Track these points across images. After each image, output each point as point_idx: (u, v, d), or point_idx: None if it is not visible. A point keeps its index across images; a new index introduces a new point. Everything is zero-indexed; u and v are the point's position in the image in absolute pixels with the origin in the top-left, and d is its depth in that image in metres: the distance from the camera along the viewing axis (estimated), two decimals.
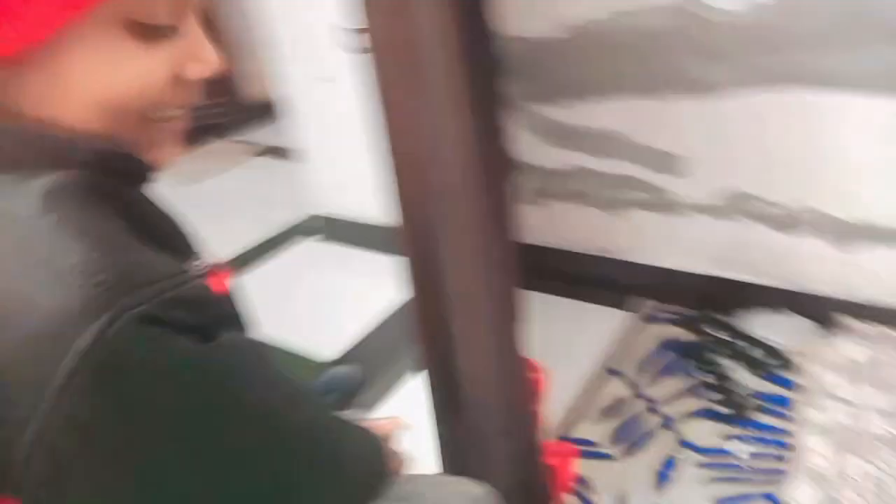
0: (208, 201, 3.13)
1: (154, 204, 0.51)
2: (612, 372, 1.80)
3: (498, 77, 1.81)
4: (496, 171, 1.79)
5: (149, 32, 0.45)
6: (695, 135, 1.80)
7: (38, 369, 0.36)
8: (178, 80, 0.48)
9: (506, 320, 1.20)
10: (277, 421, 0.48)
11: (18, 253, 0.39)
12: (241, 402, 0.45)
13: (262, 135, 3.73)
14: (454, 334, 1.17)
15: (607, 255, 2.11)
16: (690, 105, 1.75)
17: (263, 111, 3.65)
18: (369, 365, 1.90)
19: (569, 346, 1.88)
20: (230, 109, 3.79)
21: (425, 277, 1.17)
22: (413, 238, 1.15)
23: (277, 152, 3.43)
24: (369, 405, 1.77)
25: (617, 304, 2.03)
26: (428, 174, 1.05)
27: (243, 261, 2.62)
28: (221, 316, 0.49)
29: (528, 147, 2.09)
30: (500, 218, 1.76)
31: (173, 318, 0.40)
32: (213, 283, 0.52)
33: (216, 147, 3.70)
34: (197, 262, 0.53)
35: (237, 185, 3.31)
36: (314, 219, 2.68)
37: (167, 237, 0.50)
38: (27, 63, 0.42)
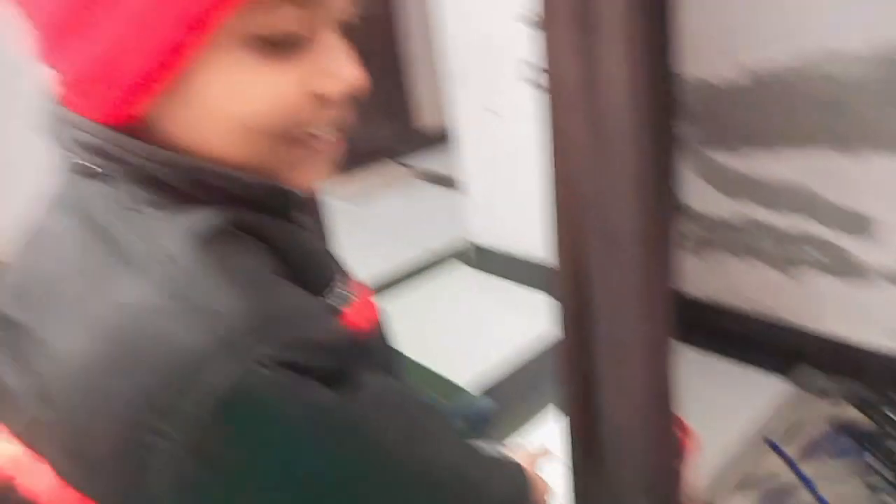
0: (369, 222, 3.32)
1: (300, 236, 0.51)
2: (768, 443, 1.65)
3: (675, 119, 1.76)
4: (664, 216, 1.74)
5: (276, 49, 0.42)
6: (892, 196, 1.62)
7: (172, 401, 0.36)
8: (315, 98, 0.45)
9: (658, 372, 1.15)
10: (419, 468, 0.47)
11: (165, 290, 0.39)
12: (378, 455, 0.44)
13: (431, 161, 3.89)
14: (602, 381, 1.13)
15: (775, 318, 1.96)
16: (889, 163, 1.59)
17: (435, 138, 3.82)
18: (504, 401, 1.90)
19: (722, 409, 1.76)
20: (401, 134, 4.01)
21: (578, 319, 1.15)
22: (569, 277, 1.14)
23: (442, 179, 3.56)
24: (498, 442, 1.76)
25: (780, 372, 1.87)
26: (594, 215, 1.04)
27: (395, 283, 2.72)
28: (361, 358, 0.47)
29: (697, 193, 2.00)
30: (662, 266, 1.70)
31: (308, 364, 0.40)
32: (358, 312, 0.53)
33: (384, 169, 3.92)
34: (341, 291, 0.52)
35: (398, 209, 3.47)
36: (468, 247, 2.73)
37: (311, 270, 0.50)
38: (169, 92, 0.42)
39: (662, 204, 1.04)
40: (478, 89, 2.39)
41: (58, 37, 0.42)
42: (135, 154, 0.43)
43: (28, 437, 0.42)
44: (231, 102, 0.42)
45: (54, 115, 0.46)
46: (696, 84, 1.87)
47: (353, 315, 0.53)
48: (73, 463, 0.40)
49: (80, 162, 0.45)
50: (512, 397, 1.93)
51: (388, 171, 3.89)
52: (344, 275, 0.56)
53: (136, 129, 0.44)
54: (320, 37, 0.44)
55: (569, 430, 1.20)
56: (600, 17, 0.92)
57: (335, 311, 0.51)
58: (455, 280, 2.72)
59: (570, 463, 1.22)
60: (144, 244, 0.40)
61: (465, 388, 2.00)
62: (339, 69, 0.45)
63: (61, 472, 0.40)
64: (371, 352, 0.54)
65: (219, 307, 0.38)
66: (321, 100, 0.45)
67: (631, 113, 0.94)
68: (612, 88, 0.94)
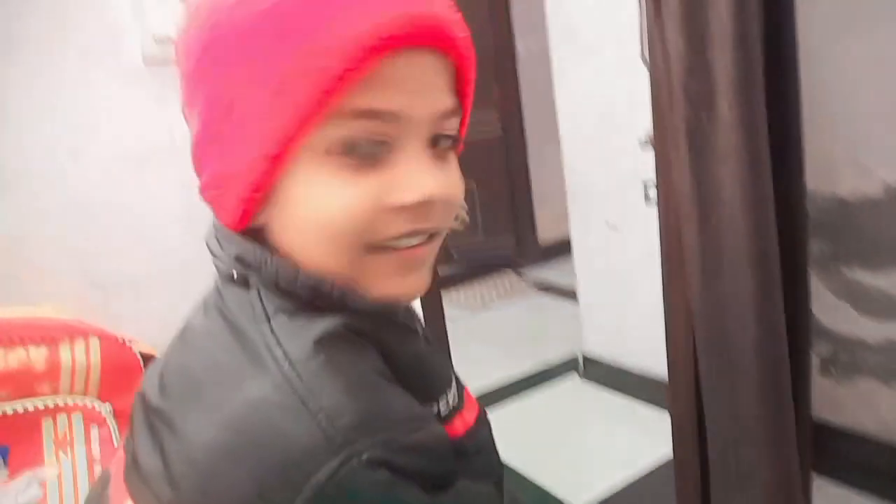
0: (485, 331, 3.38)
1: (411, 343, 0.53)
2: None
3: (805, 236, 1.71)
4: (795, 335, 1.65)
5: (356, 160, 0.46)
6: None
7: (282, 492, 0.39)
8: (389, 208, 0.47)
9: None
10: None
11: (284, 389, 0.42)
12: None
13: (550, 273, 3.94)
14: None
15: None
16: None
17: (554, 251, 3.89)
18: None
19: None
20: (522, 246, 4.12)
21: (690, 439, 1.11)
22: (682, 396, 1.12)
23: (560, 291, 3.58)
24: None
25: None
26: (707, 331, 1.03)
27: (507, 393, 2.72)
28: (461, 465, 0.48)
29: (834, 314, 1.89)
30: (783, 387, 1.60)
31: (404, 464, 0.41)
32: (464, 421, 0.55)
33: (503, 280, 4.00)
34: (452, 400, 0.54)
35: (515, 319, 3.51)
36: (581, 359, 2.70)
37: (421, 376, 0.52)
38: (272, 202, 0.47)
39: (779, 322, 1.02)
40: (597, 204, 2.45)
41: (202, 147, 0.49)
42: (265, 263, 0.48)
43: None
44: (310, 210, 0.46)
45: (210, 222, 0.52)
46: (831, 200, 1.82)
47: (460, 423, 0.56)
48: None
49: (224, 266, 0.51)
50: None
51: (507, 282, 3.97)
52: (456, 384, 0.58)
53: (260, 238, 0.49)
54: (403, 150, 0.47)
55: None
56: (709, 137, 0.96)
57: (443, 418, 0.53)
58: (567, 392, 2.67)
59: None
60: (272, 348, 0.44)
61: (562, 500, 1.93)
62: (414, 181, 0.47)
63: None
64: (471, 459, 0.55)
65: (327, 405, 0.41)
66: (395, 210, 0.47)
67: (743, 229, 0.96)
68: (724, 205, 0.96)
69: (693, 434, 1.10)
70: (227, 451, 0.41)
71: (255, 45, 0.44)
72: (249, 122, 0.45)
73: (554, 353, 2.93)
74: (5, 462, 0.85)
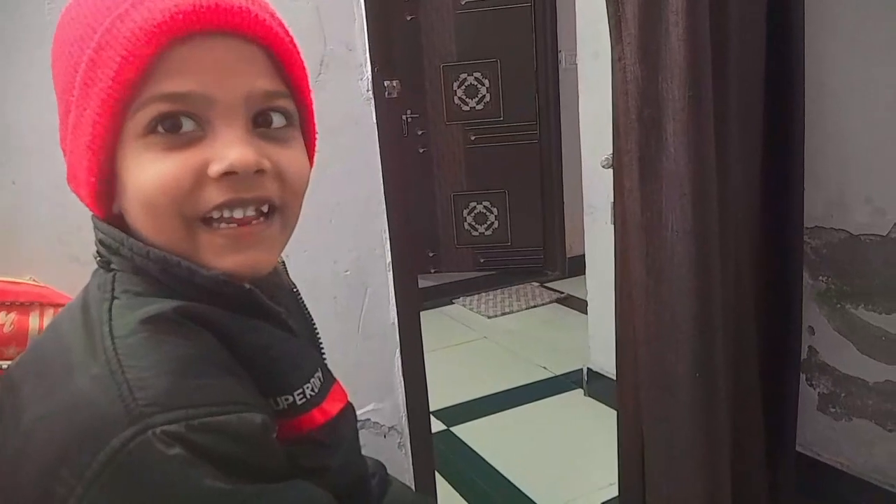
0: (498, 337, 3.41)
1: (258, 334, 0.54)
2: None
3: (799, 268, 1.68)
4: (782, 369, 1.62)
5: (169, 141, 0.49)
6: None
7: (80, 456, 0.42)
8: (199, 178, 0.50)
9: None
10: None
11: (104, 363, 0.45)
12: None
13: (573, 285, 3.92)
14: None
15: None
16: None
17: (582, 263, 3.86)
18: None
19: None
20: (551, 259, 4.11)
21: (636, 466, 1.12)
22: (628, 420, 1.12)
23: (579, 304, 3.57)
24: None
25: None
26: (649, 358, 1.04)
27: (506, 401, 2.74)
28: (280, 460, 0.49)
29: (836, 351, 1.83)
30: (777, 422, 1.57)
31: (203, 444, 0.43)
32: (318, 415, 0.56)
33: (527, 289, 4.01)
34: (311, 393, 0.56)
35: (529, 327, 3.51)
36: (585, 374, 2.69)
37: (261, 368, 0.53)
38: (114, 188, 0.52)
39: (720, 352, 1.01)
40: (605, 221, 2.44)
41: (60, 140, 0.55)
42: (123, 244, 0.52)
43: None
44: (135, 188, 0.50)
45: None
46: (840, 235, 1.77)
47: (319, 415, 0.57)
48: (3, 500, 0.46)
49: (95, 252, 0.56)
50: None
51: (530, 291, 3.97)
52: (324, 376, 0.60)
53: (123, 224, 0.54)
54: (217, 127, 0.50)
55: None
56: (656, 163, 0.97)
57: (298, 408, 0.55)
58: (568, 406, 2.67)
59: None
60: (102, 324, 0.48)
61: None
62: (221, 153, 0.50)
63: None
64: (327, 451, 0.57)
65: (132, 378, 0.44)
66: (209, 181, 0.50)
67: (684, 259, 0.96)
68: (667, 233, 0.97)
69: (635, 461, 1.11)
70: (44, 417, 0.45)
71: (70, 45, 0.51)
72: (76, 115, 0.51)
73: (562, 366, 2.93)
74: None
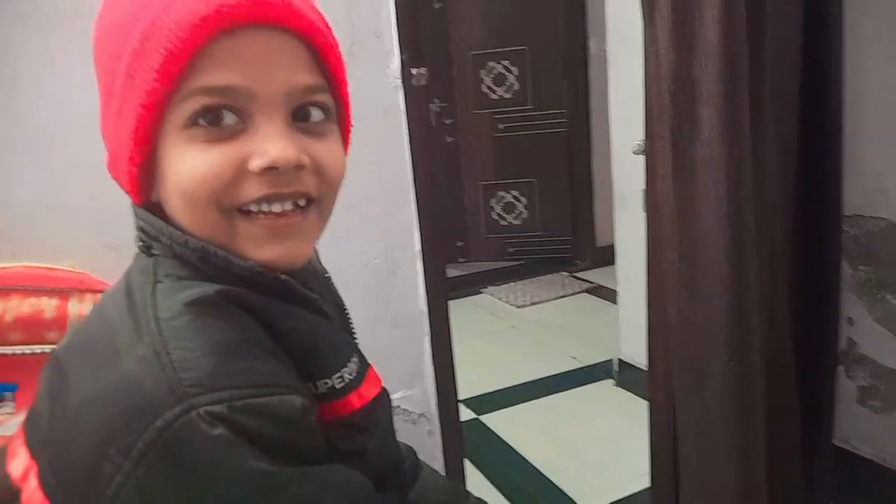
0: (527, 327, 3.39)
1: (297, 318, 0.55)
2: None
3: (838, 256, 1.64)
4: (818, 360, 1.59)
5: (212, 134, 0.50)
6: None
7: (127, 436, 0.43)
8: (244, 173, 0.51)
9: None
10: None
11: (150, 345, 0.46)
12: None
13: (603, 274, 3.89)
14: None
15: None
16: None
17: (611, 253, 3.83)
18: None
19: None
20: (581, 249, 4.08)
21: (667, 455, 1.10)
22: (660, 409, 1.11)
23: (609, 294, 3.53)
24: None
25: None
26: (682, 345, 1.03)
27: (536, 390, 2.73)
28: (321, 442, 0.50)
29: (876, 343, 1.79)
30: (813, 414, 1.54)
31: (247, 425, 0.43)
32: (355, 399, 0.56)
33: (556, 278, 3.98)
34: (348, 377, 0.56)
35: (559, 317, 3.50)
36: (616, 364, 2.67)
37: (301, 351, 0.53)
38: (157, 176, 0.52)
39: (754, 340, 0.99)
40: (635, 209, 2.41)
41: (102, 127, 0.56)
42: (162, 233, 0.53)
43: (35, 453, 0.50)
44: (175, 179, 0.51)
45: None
46: (880, 224, 1.72)
47: (356, 399, 0.57)
48: (53, 479, 0.48)
49: (137, 238, 0.57)
50: None
51: (559, 281, 3.95)
52: (360, 362, 0.60)
53: (162, 212, 0.54)
54: (258, 121, 0.51)
55: None
56: (690, 148, 0.95)
57: (337, 392, 0.55)
58: (598, 395, 2.65)
59: None
60: (147, 307, 0.49)
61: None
62: (262, 147, 0.50)
63: (44, 485, 0.48)
64: (363, 435, 0.58)
65: (177, 359, 0.45)
66: (250, 175, 0.50)
67: (719, 246, 0.94)
68: (701, 220, 0.96)
69: (669, 448, 1.10)
70: (93, 399, 0.46)
71: (115, 35, 0.51)
72: (119, 104, 0.52)
73: (592, 356, 2.91)
74: (14, 397, 0.97)
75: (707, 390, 0.97)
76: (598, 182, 3.99)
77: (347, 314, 0.73)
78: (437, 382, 1.48)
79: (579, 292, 3.77)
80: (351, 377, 0.58)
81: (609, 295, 3.53)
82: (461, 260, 4.17)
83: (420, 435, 1.49)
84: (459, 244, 4.15)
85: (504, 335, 3.38)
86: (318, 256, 0.74)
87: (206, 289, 0.50)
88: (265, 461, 0.44)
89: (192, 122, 0.50)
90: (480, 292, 3.90)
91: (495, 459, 2.27)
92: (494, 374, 2.85)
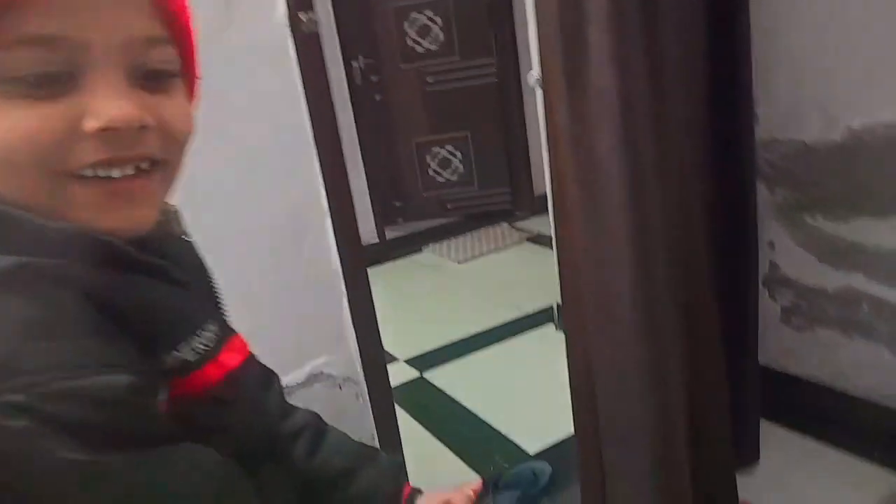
0: (470, 280, 3.39)
1: (124, 289, 0.49)
2: None
3: (752, 184, 1.64)
4: (740, 284, 1.60)
5: (36, 90, 0.44)
6: None
7: None
8: (73, 133, 0.45)
9: (668, 463, 1.04)
10: None
11: None
12: None
13: (544, 223, 3.89)
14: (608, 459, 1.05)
15: (882, 401, 1.70)
16: None
17: (546, 201, 3.82)
18: (565, 465, 1.80)
19: (810, 497, 1.57)
20: (520, 199, 4.06)
21: (584, 389, 1.09)
22: (575, 345, 1.09)
23: (545, 240, 3.54)
24: None
25: (885, 463, 1.61)
26: (589, 277, 1.00)
27: (480, 341, 2.73)
28: (150, 421, 0.45)
29: (797, 264, 1.82)
30: (738, 337, 1.56)
31: (56, 413, 0.38)
32: (214, 371, 0.52)
33: (496, 230, 3.97)
34: (200, 345, 0.52)
35: (501, 268, 3.50)
36: (556, 309, 2.68)
37: (138, 324, 0.48)
38: None
39: (660, 271, 0.97)
40: None
41: None
42: None
43: None
44: None
45: None
46: (796, 146, 1.73)
47: (215, 370, 0.53)
48: None
49: None
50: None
51: (500, 233, 3.93)
52: (221, 329, 0.56)
53: None
54: (92, 77, 0.45)
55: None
56: (581, 73, 0.91)
57: (190, 365, 0.51)
58: (539, 341, 2.67)
59: None
60: None
61: (528, 451, 1.96)
62: (98, 107, 0.45)
63: None
64: (229, 408, 0.54)
65: None
66: (84, 137, 0.45)
67: (615, 171, 0.91)
68: (597, 145, 0.92)
69: (588, 383, 1.08)
70: None
71: None
72: None
73: (534, 304, 2.92)
74: None
75: (618, 325, 0.95)
76: (532, 130, 3.96)
77: (211, 280, 0.67)
78: (360, 344, 1.43)
79: (520, 242, 3.77)
80: (206, 347, 0.53)
81: (549, 242, 3.54)
82: (400, 220, 4.11)
83: (348, 399, 1.45)
84: (397, 204, 4.09)
85: (446, 292, 3.36)
86: (178, 217, 0.68)
87: (4, 262, 0.43)
88: (84, 451, 0.39)
89: (13, 75, 0.43)
90: (421, 251, 3.86)
91: (441, 415, 2.26)
92: (437, 332, 2.83)
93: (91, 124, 0.45)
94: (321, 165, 1.31)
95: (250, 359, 0.61)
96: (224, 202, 1.20)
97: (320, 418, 0.82)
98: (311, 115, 1.27)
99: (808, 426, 1.81)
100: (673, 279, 1.02)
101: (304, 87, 1.27)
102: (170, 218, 0.65)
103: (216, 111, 1.07)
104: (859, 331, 1.72)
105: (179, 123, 0.51)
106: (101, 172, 0.46)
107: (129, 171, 0.47)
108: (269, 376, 0.81)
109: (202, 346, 0.53)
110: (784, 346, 1.89)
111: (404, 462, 1.58)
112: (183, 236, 0.67)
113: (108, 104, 0.45)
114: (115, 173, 0.47)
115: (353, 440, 0.82)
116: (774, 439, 1.76)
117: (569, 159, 0.94)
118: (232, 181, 1.21)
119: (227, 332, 0.59)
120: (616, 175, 0.88)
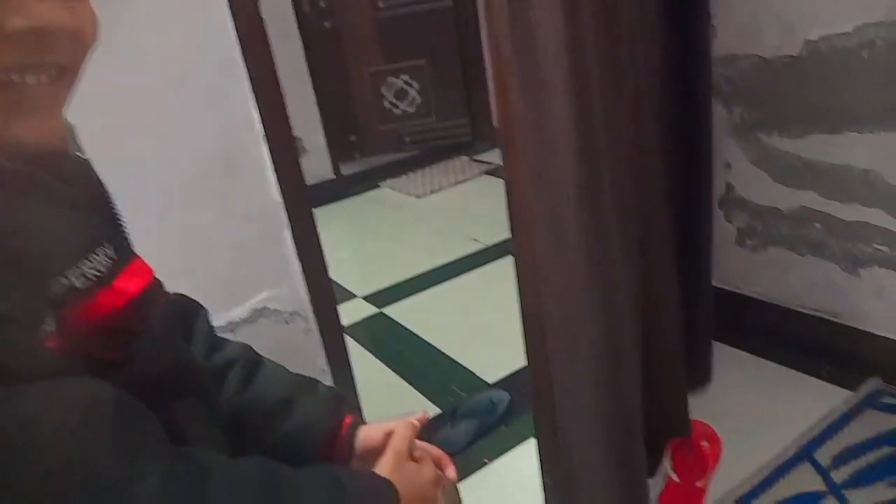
0: (430, 215, 3.33)
1: (3, 208, 0.45)
2: (805, 457, 1.45)
3: (708, 101, 1.59)
4: (693, 204, 1.58)
5: None
6: None
7: None
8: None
9: (612, 379, 1.02)
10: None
11: None
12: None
13: (499, 155, 3.83)
14: (556, 385, 1.03)
15: (833, 319, 1.72)
16: None
17: None
18: (527, 396, 1.81)
19: (762, 416, 1.59)
20: (478, 131, 3.97)
21: (535, 319, 1.06)
22: (527, 282, 1.05)
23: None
24: (518, 437, 1.67)
25: (834, 379, 1.65)
26: (541, 202, 0.95)
27: (441, 276, 2.70)
28: (18, 356, 0.42)
29: (751, 182, 1.80)
30: (691, 259, 1.54)
31: None
32: (108, 297, 0.49)
33: (456, 164, 3.89)
34: (79, 275, 0.47)
35: (460, 202, 3.44)
36: None
37: (7, 249, 0.44)
38: None
39: (605, 187, 0.92)
40: None
41: None
42: None
43: None
44: None
45: None
46: (752, 61, 1.68)
47: (111, 297, 0.49)
48: None
49: None
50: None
51: (459, 166, 3.86)
52: (117, 253, 0.52)
53: None
54: None
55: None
56: None
57: (79, 293, 0.46)
58: (500, 274, 2.65)
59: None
60: None
61: (486, 380, 1.95)
62: (27, 4, 0.42)
63: None
64: (134, 337, 0.51)
65: None
66: (6, 38, 0.42)
67: (559, 77, 0.85)
68: (541, 48, 0.85)
69: (535, 314, 1.04)
70: None
71: None
72: None
73: (494, 236, 2.88)
74: None
75: (564, 246, 0.91)
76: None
77: (110, 201, 0.60)
78: (306, 276, 1.37)
79: (479, 175, 3.70)
80: (98, 273, 0.49)
81: None
82: (357, 156, 3.99)
83: (296, 334, 1.41)
84: (352, 139, 3.96)
85: (405, 227, 3.30)
86: (73, 133, 0.61)
87: None
88: None
89: None
90: (379, 186, 3.77)
91: (400, 350, 2.24)
92: (396, 268, 2.79)
93: (17, 23, 0.41)
94: (252, 85, 1.21)
95: (154, 285, 0.56)
96: (143, 122, 1.11)
97: (254, 351, 0.78)
98: (236, 26, 1.16)
99: (758, 346, 1.83)
100: (623, 199, 0.98)
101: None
102: (68, 134, 0.59)
103: (132, 23, 0.97)
104: (811, 249, 1.72)
105: (94, 29, 0.48)
106: (16, 77, 0.43)
107: (44, 78, 0.44)
108: (190, 307, 0.76)
109: (93, 272, 0.48)
110: (737, 267, 1.89)
111: (355, 393, 1.55)
112: (77, 153, 0.61)
113: (38, 4, 0.42)
114: (31, 79, 0.43)
115: (289, 372, 0.78)
116: (726, 359, 1.78)
117: (510, 66, 0.87)
118: (150, 99, 1.11)
119: (125, 256, 0.54)
120: (560, 87, 0.82)
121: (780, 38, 1.61)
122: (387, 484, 0.62)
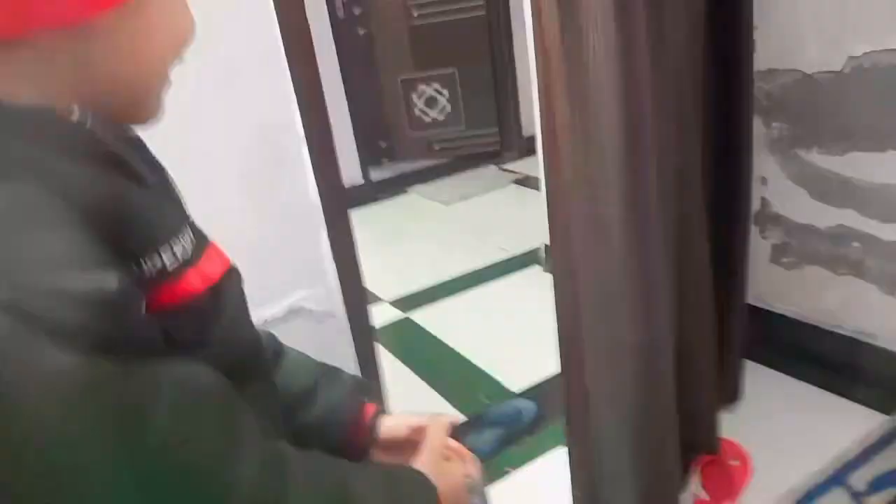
0: (458, 223, 3.34)
1: (102, 187, 0.44)
2: (839, 482, 1.42)
3: (748, 117, 1.57)
4: (731, 222, 1.56)
5: None
6: None
7: None
8: None
9: (649, 373, 1.01)
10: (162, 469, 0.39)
11: None
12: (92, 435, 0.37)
13: (532, 164, 3.82)
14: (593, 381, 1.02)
15: (869, 341, 1.69)
16: None
17: (533, 143, 3.74)
18: (552, 407, 1.79)
19: (792, 436, 1.55)
20: (508, 140, 3.96)
21: (571, 312, 1.05)
22: (561, 267, 1.05)
23: (532, 182, 3.49)
24: (542, 447, 1.66)
25: (869, 402, 1.61)
26: (580, 199, 0.95)
27: (467, 283, 2.70)
28: (139, 329, 0.42)
29: (789, 200, 1.77)
30: (727, 275, 1.52)
31: (43, 312, 0.35)
32: (195, 280, 0.49)
33: (484, 172, 3.89)
34: (170, 255, 0.47)
35: (488, 210, 3.44)
36: (543, 250, 2.65)
37: (113, 224, 0.43)
38: None
39: (652, 192, 0.92)
40: None
41: None
42: None
43: None
44: None
45: None
46: (793, 76, 1.66)
47: (197, 280, 0.49)
48: None
49: None
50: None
51: (488, 175, 3.86)
52: (196, 236, 0.52)
53: None
54: None
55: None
56: None
57: (169, 273, 0.46)
58: (524, 282, 2.64)
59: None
60: None
61: (512, 390, 1.94)
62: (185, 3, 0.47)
63: None
64: (211, 320, 0.50)
65: None
66: None
67: (611, 82, 0.85)
68: (588, 54, 0.85)
69: (571, 307, 1.04)
70: None
71: None
72: None
73: (520, 246, 2.87)
74: None
75: (606, 248, 0.91)
76: (521, 68, 3.84)
77: (171, 182, 0.61)
78: (340, 278, 1.38)
79: (507, 184, 3.70)
80: (186, 253, 0.48)
81: (537, 184, 3.47)
82: (386, 161, 4.02)
83: (329, 335, 1.41)
84: (383, 144, 3.98)
85: (432, 234, 3.31)
86: None
87: None
88: (73, 354, 0.35)
89: None
90: (407, 192, 3.79)
91: (426, 356, 2.24)
92: (423, 273, 2.80)
93: (190, 19, 0.51)
94: (295, 86, 1.23)
95: (232, 269, 0.56)
96: (185, 121, 1.12)
97: (277, 339, 0.78)
98: (280, 24, 1.18)
99: (791, 365, 1.80)
100: (666, 209, 0.97)
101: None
102: None
103: None
104: (849, 268, 1.69)
105: None
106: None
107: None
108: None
109: (181, 251, 0.48)
110: (772, 285, 1.86)
111: (380, 385, 1.55)
112: (134, 134, 0.62)
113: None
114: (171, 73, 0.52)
115: (313, 360, 0.79)
116: (757, 378, 1.75)
117: (558, 67, 0.87)
118: (193, 99, 1.13)
119: (202, 239, 0.54)
120: (609, 86, 0.82)
121: (822, 53, 1.59)
122: (429, 480, 0.62)
